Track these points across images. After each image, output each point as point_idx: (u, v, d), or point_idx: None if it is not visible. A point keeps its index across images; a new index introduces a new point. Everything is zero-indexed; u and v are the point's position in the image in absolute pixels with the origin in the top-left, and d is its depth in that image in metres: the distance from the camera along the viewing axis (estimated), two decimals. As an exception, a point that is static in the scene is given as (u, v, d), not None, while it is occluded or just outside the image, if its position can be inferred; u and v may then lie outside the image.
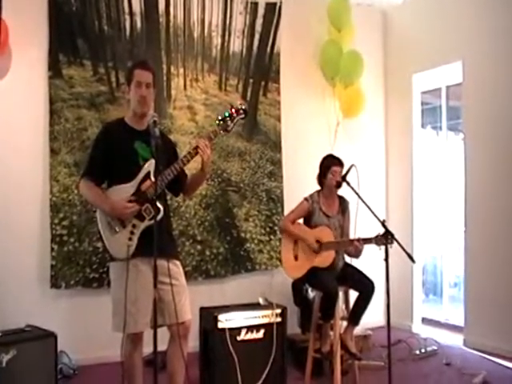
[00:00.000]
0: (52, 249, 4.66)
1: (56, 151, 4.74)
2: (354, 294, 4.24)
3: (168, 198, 3.49)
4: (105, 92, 4.99)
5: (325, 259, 4.20)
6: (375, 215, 3.65)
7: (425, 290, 6.75)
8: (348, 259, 4.43)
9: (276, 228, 5.58)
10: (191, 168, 3.60)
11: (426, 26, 6.10)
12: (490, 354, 5.08)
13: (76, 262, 4.73)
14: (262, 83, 5.77)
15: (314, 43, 5.98)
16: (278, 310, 4.21)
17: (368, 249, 4.00)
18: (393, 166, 6.62)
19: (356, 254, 4.22)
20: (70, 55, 4.85)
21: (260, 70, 5.76)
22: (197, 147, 3.13)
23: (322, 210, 4.33)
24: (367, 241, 3.94)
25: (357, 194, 3.89)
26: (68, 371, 4.43)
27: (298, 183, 5.41)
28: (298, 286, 4.47)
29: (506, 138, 5.16)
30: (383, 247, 3.59)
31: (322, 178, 4.41)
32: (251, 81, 5.70)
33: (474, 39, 5.46)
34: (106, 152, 3.14)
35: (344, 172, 4.16)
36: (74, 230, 4.75)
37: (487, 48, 5.32)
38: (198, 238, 5.28)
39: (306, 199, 4.38)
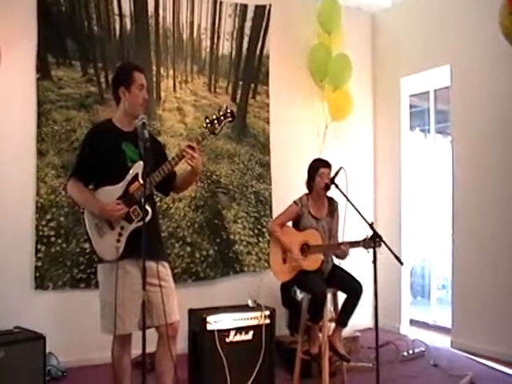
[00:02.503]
0: (38, 250, 4.64)
1: (43, 153, 4.72)
2: (342, 296, 4.25)
3: (157, 199, 3.49)
4: (94, 93, 4.97)
5: (313, 262, 4.22)
6: (363, 217, 3.67)
7: (413, 292, 6.79)
8: (336, 261, 4.45)
9: (264, 230, 5.59)
10: (183, 166, 3.61)
11: (414, 29, 6.15)
12: (477, 355, 5.12)
13: (63, 263, 4.72)
14: (252, 85, 5.78)
15: (303, 46, 5.99)
16: (267, 312, 4.22)
17: (356, 251, 4.02)
18: (381, 169, 6.65)
19: (342, 256, 4.26)
20: (59, 56, 4.83)
21: (249, 72, 5.77)
22: (183, 150, 3.11)
23: (310, 213, 4.35)
24: (355, 244, 3.97)
25: (345, 196, 3.90)
26: (56, 373, 4.40)
27: (286, 185, 5.43)
28: (286, 288, 4.47)
29: (493, 141, 5.21)
30: (371, 250, 3.61)
31: (310, 181, 4.42)
32: (240, 83, 5.72)
33: (462, 43, 5.50)
34: (93, 153, 3.13)
35: (332, 175, 4.18)
36: (62, 231, 4.73)
37: (475, 52, 5.37)
38: (188, 239, 5.28)
39: (295, 202, 4.39)
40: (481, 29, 5.29)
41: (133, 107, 3.16)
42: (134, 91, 3.14)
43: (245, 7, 5.70)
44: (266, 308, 4.24)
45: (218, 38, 5.60)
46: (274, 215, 5.03)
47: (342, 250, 4.12)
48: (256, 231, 5.66)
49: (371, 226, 3.65)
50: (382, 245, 3.63)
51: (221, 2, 5.56)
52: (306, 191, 4.46)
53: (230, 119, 3.24)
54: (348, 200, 3.86)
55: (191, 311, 4.17)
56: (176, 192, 3.56)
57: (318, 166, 4.39)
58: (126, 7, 5.09)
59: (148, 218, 2.98)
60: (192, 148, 3.11)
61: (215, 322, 3.99)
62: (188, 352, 4.15)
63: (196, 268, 5.30)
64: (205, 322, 3.95)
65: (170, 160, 3.13)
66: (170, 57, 5.33)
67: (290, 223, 4.44)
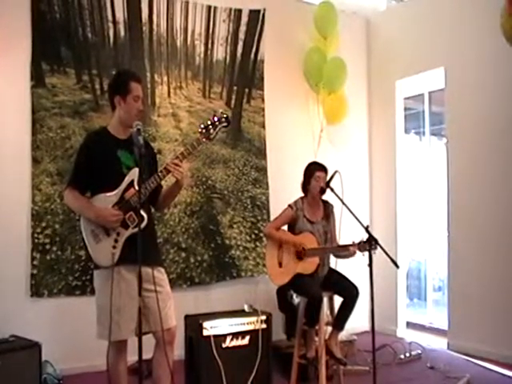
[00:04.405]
0: (33, 257, 4.63)
1: (38, 160, 4.71)
2: (338, 300, 4.26)
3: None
4: (89, 100, 4.97)
5: (308, 266, 4.23)
6: (359, 221, 3.67)
7: (409, 295, 6.80)
8: (333, 264, 4.45)
9: (262, 235, 5.59)
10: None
11: (409, 32, 6.17)
12: (473, 357, 5.14)
13: (59, 271, 4.71)
14: (246, 90, 5.79)
15: (298, 50, 6.01)
16: (263, 317, 4.23)
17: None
18: (376, 172, 6.66)
19: (350, 255, 4.21)
20: (53, 63, 4.83)
21: (244, 77, 5.78)
22: (166, 168, 3.10)
23: (305, 216, 4.36)
24: (351, 247, 3.97)
25: (341, 200, 3.91)
26: (52, 381, 4.37)
27: (283, 189, 5.43)
28: (282, 293, 4.48)
29: (487, 143, 5.24)
30: (367, 253, 3.62)
31: (306, 184, 4.43)
32: (235, 88, 5.72)
33: (456, 46, 5.53)
34: (89, 161, 3.13)
35: (328, 178, 4.18)
36: (57, 238, 4.72)
37: (469, 54, 5.40)
38: (183, 245, 5.27)
39: (290, 206, 4.41)
40: (475, 31, 5.33)
41: (127, 117, 3.16)
42: (129, 102, 3.15)
43: (239, 12, 5.71)
44: (263, 313, 4.25)
45: (212, 43, 5.61)
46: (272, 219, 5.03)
47: (350, 252, 4.07)
48: (253, 236, 5.66)
49: (367, 229, 3.65)
50: (378, 248, 3.63)
51: (215, 7, 5.57)
52: (302, 195, 4.47)
53: (224, 124, 3.25)
54: (343, 203, 3.87)
55: (187, 317, 4.17)
56: (158, 208, 3.52)
57: (313, 170, 4.40)
58: (120, 14, 5.10)
59: (144, 224, 2.99)
60: (175, 164, 3.11)
61: (211, 328, 3.99)
62: (184, 358, 4.15)
63: (191, 273, 5.29)
64: (201, 327, 3.95)
65: (158, 173, 3.12)
66: (163, 63, 5.33)
67: (285, 227, 4.45)
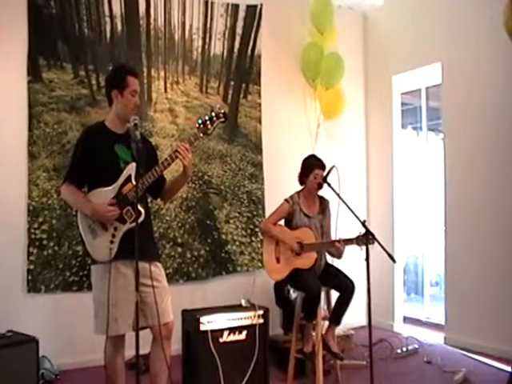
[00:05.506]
0: (30, 253, 4.62)
1: (35, 155, 4.70)
2: (335, 294, 4.26)
3: (149, 200, 3.49)
4: (85, 95, 4.96)
5: (306, 261, 4.22)
6: (356, 216, 3.68)
7: (406, 289, 6.81)
8: (330, 259, 4.46)
9: (257, 229, 5.60)
10: (172, 170, 3.61)
11: (405, 28, 6.16)
12: (470, 351, 5.14)
13: (56, 266, 4.70)
14: (243, 85, 5.78)
15: (295, 45, 5.99)
16: (260, 312, 4.23)
17: (349, 249, 4.03)
18: (373, 167, 6.66)
19: (338, 255, 4.25)
20: (50, 58, 4.81)
21: (241, 72, 5.77)
22: (176, 151, 3.13)
23: (302, 210, 4.35)
24: (348, 241, 3.97)
25: (338, 195, 3.91)
26: (50, 376, 4.39)
27: (279, 185, 5.42)
28: (279, 287, 4.48)
29: (484, 138, 5.23)
30: (364, 247, 3.62)
31: (303, 177, 4.43)
32: (232, 83, 5.72)
33: (453, 41, 5.52)
34: (86, 156, 3.14)
35: (325, 173, 4.18)
36: (54, 234, 4.71)
37: (466, 50, 5.39)
38: (179, 240, 5.28)
39: (286, 201, 4.40)
40: (471, 27, 5.32)
41: (124, 111, 3.16)
42: (126, 96, 3.15)
43: (236, 7, 5.70)
44: (260, 307, 4.25)
45: (210, 38, 5.59)
46: (267, 215, 5.02)
47: (336, 248, 4.11)
48: (249, 231, 5.67)
49: (363, 223, 3.66)
50: (375, 242, 3.64)
51: (212, 2, 5.56)
52: (298, 189, 4.47)
53: (222, 120, 3.25)
54: (340, 198, 3.87)
55: (185, 312, 4.17)
56: (164, 198, 3.55)
57: (313, 166, 4.36)
58: (117, 9, 5.08)
59: (141, 219, 2.99)
60: (185, 148, 3.12)
61: (208, 323, 3.99)
62: (182, 353, 4.15)
63: (187, 268, 5.30)
64: (198, 322, 3.96)
65: (163, 161, 3.14)
66: (161, 58, 5.32)
67: (282, 222, 4.45)
